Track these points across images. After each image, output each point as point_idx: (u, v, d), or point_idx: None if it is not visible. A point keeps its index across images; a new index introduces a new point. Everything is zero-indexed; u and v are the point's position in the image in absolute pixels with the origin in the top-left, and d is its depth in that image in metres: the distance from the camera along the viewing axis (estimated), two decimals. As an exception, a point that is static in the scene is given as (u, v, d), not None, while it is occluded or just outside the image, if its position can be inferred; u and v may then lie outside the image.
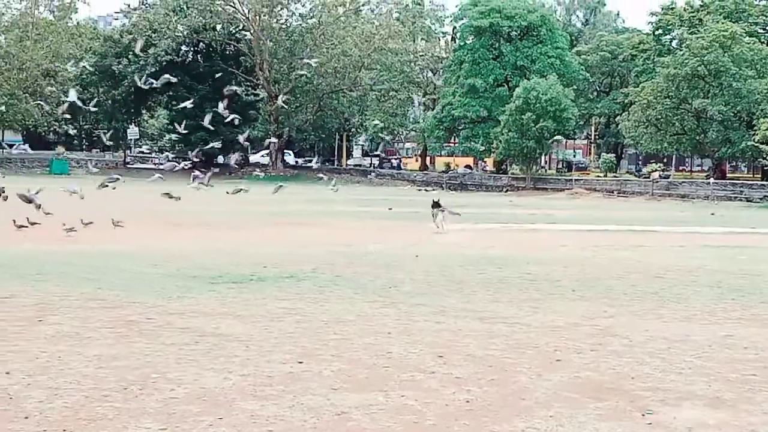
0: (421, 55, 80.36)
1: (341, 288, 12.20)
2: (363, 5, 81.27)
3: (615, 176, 65.24)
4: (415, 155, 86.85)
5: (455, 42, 78.00)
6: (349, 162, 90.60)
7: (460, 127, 70.36)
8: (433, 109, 75.36)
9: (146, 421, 5.92)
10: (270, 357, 7.84)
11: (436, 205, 25.03)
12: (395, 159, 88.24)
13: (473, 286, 12.70)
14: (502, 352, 8.31)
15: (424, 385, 7.06)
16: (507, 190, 59.66)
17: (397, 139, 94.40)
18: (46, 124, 79.66)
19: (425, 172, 75.43)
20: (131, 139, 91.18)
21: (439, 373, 7.42)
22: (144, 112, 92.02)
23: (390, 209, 33.98)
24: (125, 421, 5.89)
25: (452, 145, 76.12)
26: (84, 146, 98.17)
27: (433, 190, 59.79)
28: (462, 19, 71.53)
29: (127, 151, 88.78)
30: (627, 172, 74.27)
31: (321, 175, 66.33)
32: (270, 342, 8.47)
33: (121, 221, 21.29)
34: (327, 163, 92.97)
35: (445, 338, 8.89)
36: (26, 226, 19.95)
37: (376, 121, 73.26)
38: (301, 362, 7.65)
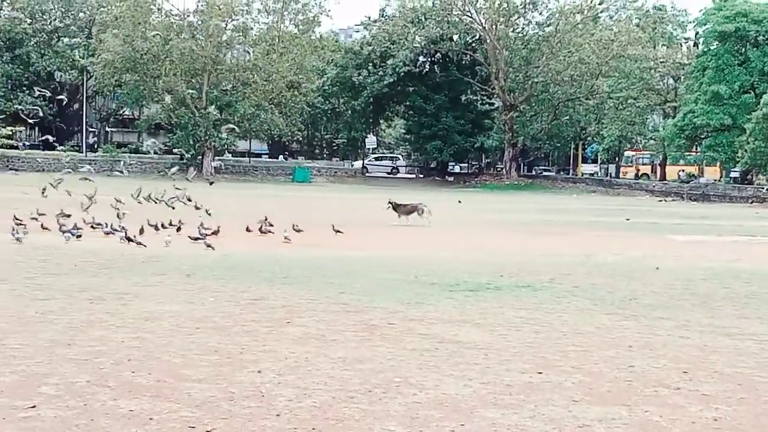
0: (661, 62, 78.07)
1: (579, 299, 12.03)
2: (601, 12, 79.95)
3: None
4: (635, 165, 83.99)
5: (698, 48, 75.24)
6: (583, 170, 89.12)
7: (702, 136, 67.63)
8: (673, 117, 72.99)
9: (390, 423, 6.06)
10: (509, 366, 7.84)
11: (396, 206, 26.41)
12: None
13: (718, 301, 12.21)
14: (752, 370, 7.95)
15: (669, 401, 6.86)
16: (752, 202, 56.87)
17: (635, 148, 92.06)
18: (289, 133, 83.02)
19: (664, 182, 73.10)
20: (369, 148, 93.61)
21: (684, 390, 7.19)
22: (382, 121, 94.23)
23: (627, 219, 33.20)
24: (370, 423, 6.05)
25: (693, 154, 73.32)
26: (324, 155, 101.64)
27: (673, 200, 58.01)
28: (705, 24, 68.82)
29: (365, 160, 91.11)
30: None
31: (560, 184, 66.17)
32: (509, 351, 8.47)
33: (340, 228, 22.29)
34: (562, 172, 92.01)
35: (689, 354, 8.60)
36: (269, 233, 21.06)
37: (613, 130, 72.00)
38: (540, 372, 7.60)
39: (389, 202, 27.11)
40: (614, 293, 12.72)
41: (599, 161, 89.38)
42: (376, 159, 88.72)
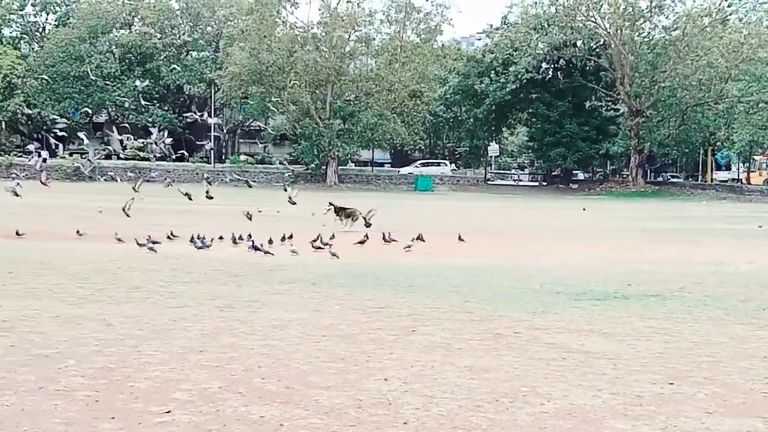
0: (794, 65, 75.56)
1: (711, 308, 11.71)
2: (730, 14, 77.83)
3: None
4: (758, 170, 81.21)
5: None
6: (715, 176, 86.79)
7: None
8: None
9: (518, 433, 6.03)
10: (639, 376, 7.68)
11: (339, 210, 25.38)
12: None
13: None
14: None
15: (808, 414, 6.63)
16: None
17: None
18: (411, 142, 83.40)
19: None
20: (491, 156, 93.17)
21: (824, 403, 6.93)
22: (504, 129, 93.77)
23: (760, 227, 32.20)
24: (498, 432, 6.03)
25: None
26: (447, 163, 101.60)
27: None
28: (842, 24, 66.36)
29: (488, 168, 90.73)
30: None
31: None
32: (638, 361, 8.31)
33: (464, 236, 22.32)
34: (690, 179, 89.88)
35: (831, 366, 8.29)
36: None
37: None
38: (671, 383, 7.43)
39: (330, 204, 26.57)
40: (748, 303, 12.34)
41: (738, 166, 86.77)
42: (422, 165, 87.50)
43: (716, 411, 6.64)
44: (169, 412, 6.29)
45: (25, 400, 6.50)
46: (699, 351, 8.84)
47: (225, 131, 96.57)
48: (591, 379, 7.53)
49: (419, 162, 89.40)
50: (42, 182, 23.17)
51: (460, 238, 22.16)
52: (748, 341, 9.44)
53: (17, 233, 20.79)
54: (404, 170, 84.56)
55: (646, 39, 78.24)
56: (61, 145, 67.45)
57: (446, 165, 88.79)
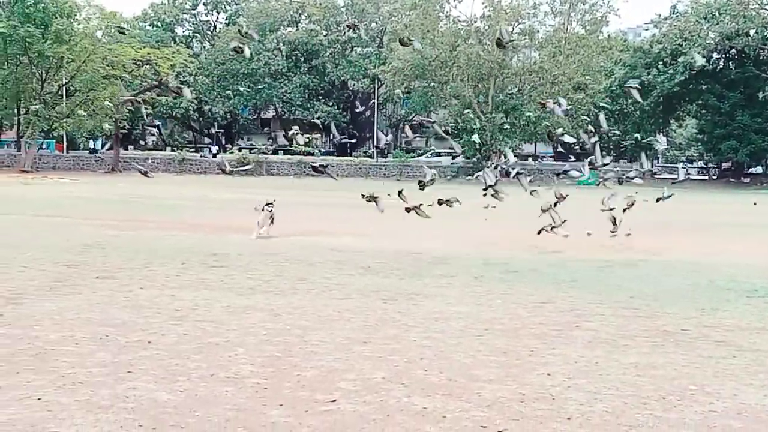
0: None
1: None
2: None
3: None
4: None
5: None
6: None
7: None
8: None
9: (686, 432, 5.89)
10: (815, 378, 7.38)
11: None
12: None
13: None
14: None
15: None
16: None
17: None
18: (575, 136, 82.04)
19: None
20: (658, 150, 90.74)
21: None
22: (672, 121, 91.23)
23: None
24: (665, 431, 5.89)
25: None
26: (612, 156, 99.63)
27: None
28: None
29: (655, 161, 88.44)
30: None
31: None
32: (814, 362, 7.98)
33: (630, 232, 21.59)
34: None
35: None
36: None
37: None
38: None
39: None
40: None
41: None
42: (422, 155, 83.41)
43: None
44: (334, 401, 6.43)
45: (197, 386, 6.77)
46: None
47: (388, 126, 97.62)
48: (763, 379, 7.28)
49: (428, 153, 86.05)
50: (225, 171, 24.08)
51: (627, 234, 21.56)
52: None
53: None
54: (412, 161, 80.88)
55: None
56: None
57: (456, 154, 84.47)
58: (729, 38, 73.91)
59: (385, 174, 77.22)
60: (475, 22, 77.05)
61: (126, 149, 79.99)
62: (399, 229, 20.11)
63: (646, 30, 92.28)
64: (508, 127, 74.76)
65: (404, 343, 8.43)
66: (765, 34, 74.54)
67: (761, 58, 76.23)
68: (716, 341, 8.81)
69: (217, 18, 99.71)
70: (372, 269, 14.26)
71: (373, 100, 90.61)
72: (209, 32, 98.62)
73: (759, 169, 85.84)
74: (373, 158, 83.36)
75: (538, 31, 78.31)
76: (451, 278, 13.38)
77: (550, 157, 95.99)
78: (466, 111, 72.81)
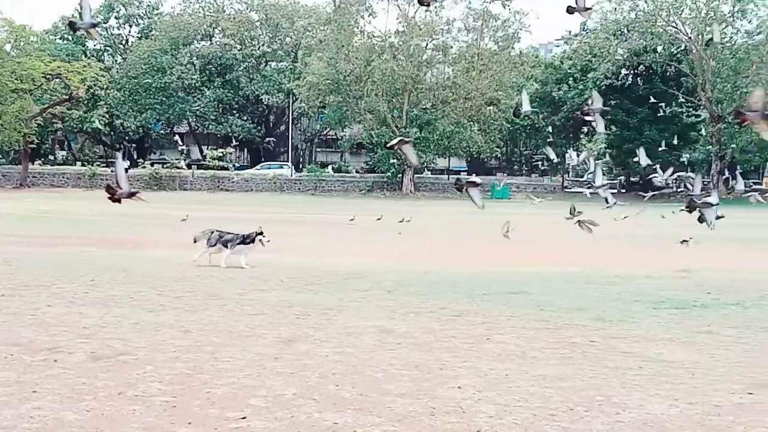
0: None
1: (794, 317, 11.47)
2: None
3: None
4: None
5: None
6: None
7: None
8: None
9: (592, 442, 5.97)
10: (717, 386, 7.56)
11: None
12: None
13: None
14: None
15: None
16: None
17: None
18: (488, 150, 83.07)
19: None
20: (569, 164, 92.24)
21: None
22: (582, 136, 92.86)
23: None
24: (572, 441, 5.98)
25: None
26: (524, 171, 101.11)
27: None
28: None
29: (565, 175, 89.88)
30: None
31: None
32: (717, 371, 8.17)
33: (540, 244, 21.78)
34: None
35: None
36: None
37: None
38: (751, 393, 7.30)
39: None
40: (832, 312, 12.05)
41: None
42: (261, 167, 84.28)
43: (797, 422, 6.50)
44: (244, 418, 6.37)
45: (104, 405, 6.65)
46: (781, 361, 8.67)
47: (302, 140, 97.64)
48: (668, 389, 7.43)
49: (260, 165, 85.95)
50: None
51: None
52: (832, 351, 9.22)
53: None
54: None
55: (728, 44, 76.82)
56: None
57: (288, 167, 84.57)
58: (637, 54, 75.71)
59: (299, 188, 77.09)
60: (390, 37, 77.50)
61: (33, 163, 78.44)
62: (315, 244, 20.11)
63: (557, 46, 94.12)
64: (423, 141, 75.29)
65: (316, 358, 8.40)
66: (671, 50, 76.53)
67: (668, 74, 78.23)
68: (623, 352, 8.98)
69: (129, 32, 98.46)
70: (285, 284, 14.21)
71: (287, 115, 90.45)
72: (121, 46, 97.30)
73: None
74: (289, 174, 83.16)
75: (451, 47, 79.09)
76: (365, 292, 13.39)
77: (464, 171, 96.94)
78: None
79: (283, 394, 7.02)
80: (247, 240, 16.87)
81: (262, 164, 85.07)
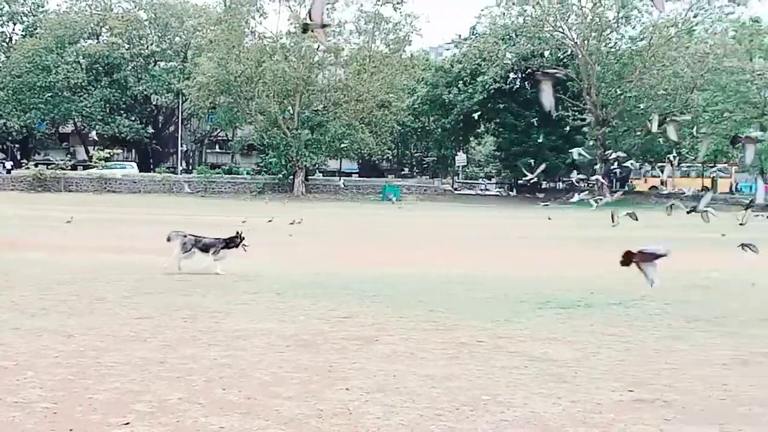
0: (759, 74, 76.47)
1: (672, 316, 11.81)
2: (696, 25, 78.58)
3: None
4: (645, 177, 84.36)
5: (797, 59, 73.68)
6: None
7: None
8: (769, 131, 71.54)
9: (478, 441, 6.05)
10: (599, 384, 7.73)
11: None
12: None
13: (819, 319, 11.88)
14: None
15: (764, 419, 6.69)
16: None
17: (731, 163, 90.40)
18: (379, 152, 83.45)
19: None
20: (459, 166, 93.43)
21: (780, 409, 7.00)
22: (472, 139, 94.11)
23: (723, 235, 32.44)
24: (458, 441, 6.04)
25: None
26: (414, 173, 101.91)
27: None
28: (807, 34, 67.39)
29: (455, 178, 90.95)
30: None
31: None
32: (599, 369, 8.36)
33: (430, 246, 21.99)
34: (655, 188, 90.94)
35: (788, 372, 8.38)
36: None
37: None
38: (631, 391, 7.48)
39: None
40: (708, 310, 12.46)
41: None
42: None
43: (674, 418, 6.69)
44: (128, 423, 6.25)
45: (-18, 412, 6.45)
46: (659, 359, 8.91)
47: (192, 141, 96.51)
48: (552, 387, 7.56)
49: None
50: None
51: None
52: (707, 348, 9.52)
53: None
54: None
55: (612, 49, 78.84)
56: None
57: (132, 166, 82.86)
58: (525, 59, 77.10)
59: (189, 190, 76.10)
60: (281, 38, 77.18)
61: None
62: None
63: (447, 50, 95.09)
64: (314, 143, 75.24)
65: (203, 362, 8.30)
66: (558, 55, 78.12)
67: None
68: (509, 352, 9.11)
69: (14, 29, 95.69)
70: (173, 287, 14.00)
71: (177, 116, 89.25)
72: (5, 44, 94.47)
73: (557, 185, 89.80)
74: (176, 173, 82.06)
75: (343, 49, 79.16)
76: (255, 295, 13.30)
77: (356, 173, 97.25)
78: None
79: (168, 399, 6.92)
80: (231, 244, 16.33)
81: (106, 164, 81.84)
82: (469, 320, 11.10)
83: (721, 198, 73.55)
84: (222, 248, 16.24)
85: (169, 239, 16.41)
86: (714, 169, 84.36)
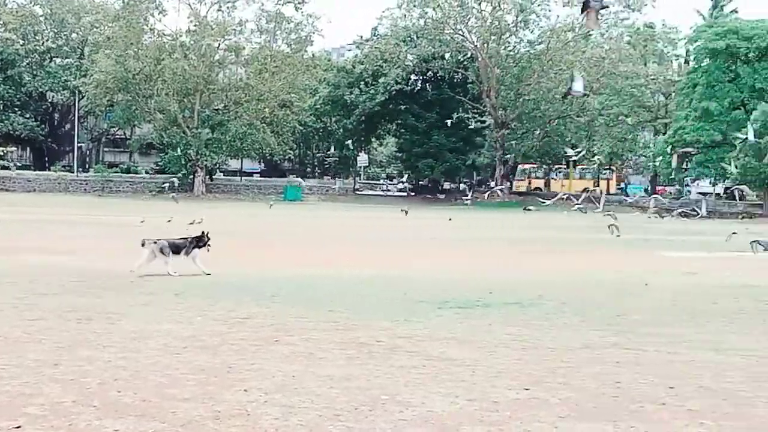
0: (652, 79, 78.63)
1: (568, 315, 12.04)
2: (592, 30, 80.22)
3: None
4: (528, 178, 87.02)
5: (688, 64, 75.83)
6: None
7: (692, 152, 67.98)
8: (664, 134, 73.48)
9: (376, 441, 6.06)
10: (496, 383, 7.82)
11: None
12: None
13: (707, 316, 12.23)
14: (738, 385, 7.94)
15: (654, 416, 6.85)
16: (743, 217, 56.94)
17: (626, 165, 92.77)
18: (281, 152, 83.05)
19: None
20: (360, 167, 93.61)
21: (670, 405, 7.17)
22: (373, 140, 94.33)
23: (618, 236, 33.26)
24: (356, 440, 6.05)
25: (684, 170, 73.91)
26: (316, 173, 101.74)
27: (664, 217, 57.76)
28: (697, 41, 69.29)
29: (357, 178, 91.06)
30: None
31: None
32: (496, 368, 8.46)
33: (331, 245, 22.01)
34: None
35: (676, 369, 8.59)
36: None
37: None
38: (527, 389, 7.59)
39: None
40: (603, 309, 12.74)
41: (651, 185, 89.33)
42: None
43: (569, 415, 6.80)
44: (19, 427, 6.10)
45: None
46: (554, 357, 9.06)
47: (89, 140, 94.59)
48: (450, 386, 7.62)
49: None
50: None
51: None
52: (601, 347, 9.72)
53: None
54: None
55: (511, 53, 79.94)
56: None
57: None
58: (426, 61, 77.69)
59: (86, 189, 74.57)
60: (181, 36, 76.23)
61: None
62: (103, 246, 19.51)
63: (349, 51, 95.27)
64: (215, 142, 74.52)
65: (98, 364, 8.14)
66: (459, 58, 78.88)
67: (455, 80, 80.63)
68: (408, 351, 9.16)
69: None
70: (68, 288, 13.72)
71: (73, 113, 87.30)
72: None
73: (456, 186, 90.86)
74: (72, 172, 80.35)
75: (244, 48, 78.56)
76: (152, 296, 13.11)
77: (257, 173, 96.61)
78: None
79: (62, 402, 6.76)
80: (200, 243, 16.34)
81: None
82: (369, 320, 11.13)
83: (615, 200, 75.34)
84: (193, 248, 16.32)
85: (143, 244, 16.22)
86: (607, 171, 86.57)
